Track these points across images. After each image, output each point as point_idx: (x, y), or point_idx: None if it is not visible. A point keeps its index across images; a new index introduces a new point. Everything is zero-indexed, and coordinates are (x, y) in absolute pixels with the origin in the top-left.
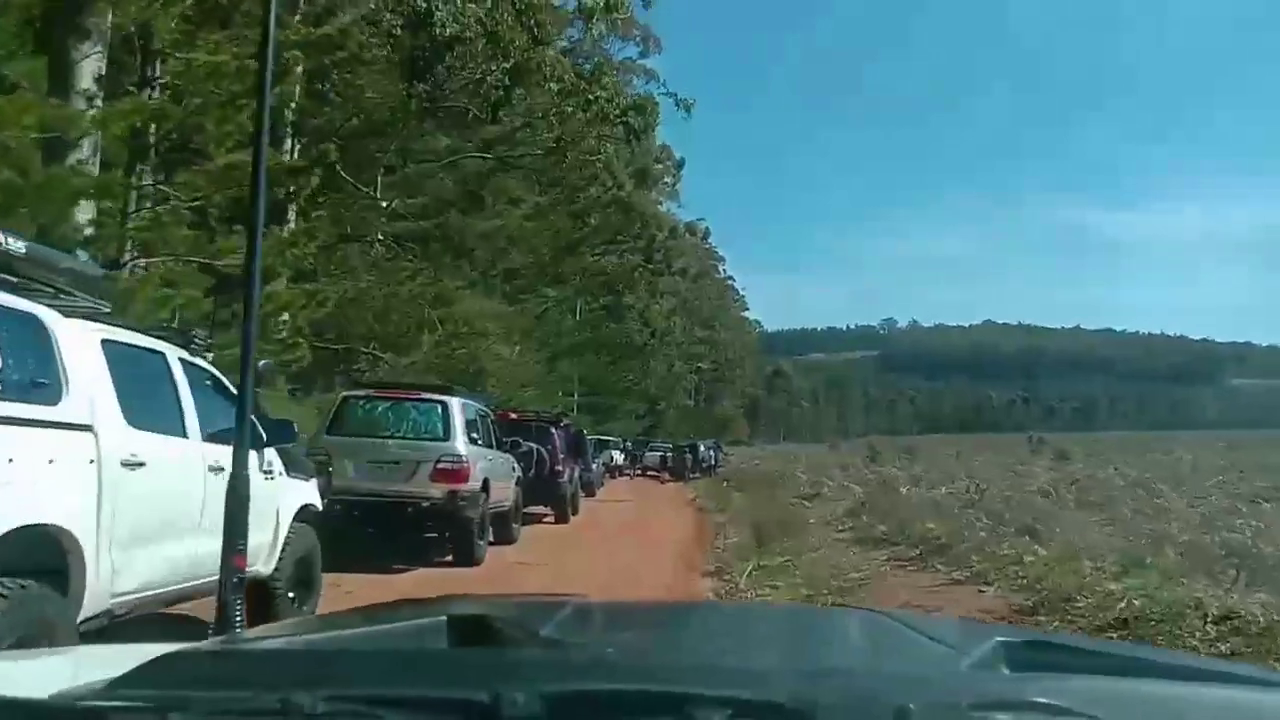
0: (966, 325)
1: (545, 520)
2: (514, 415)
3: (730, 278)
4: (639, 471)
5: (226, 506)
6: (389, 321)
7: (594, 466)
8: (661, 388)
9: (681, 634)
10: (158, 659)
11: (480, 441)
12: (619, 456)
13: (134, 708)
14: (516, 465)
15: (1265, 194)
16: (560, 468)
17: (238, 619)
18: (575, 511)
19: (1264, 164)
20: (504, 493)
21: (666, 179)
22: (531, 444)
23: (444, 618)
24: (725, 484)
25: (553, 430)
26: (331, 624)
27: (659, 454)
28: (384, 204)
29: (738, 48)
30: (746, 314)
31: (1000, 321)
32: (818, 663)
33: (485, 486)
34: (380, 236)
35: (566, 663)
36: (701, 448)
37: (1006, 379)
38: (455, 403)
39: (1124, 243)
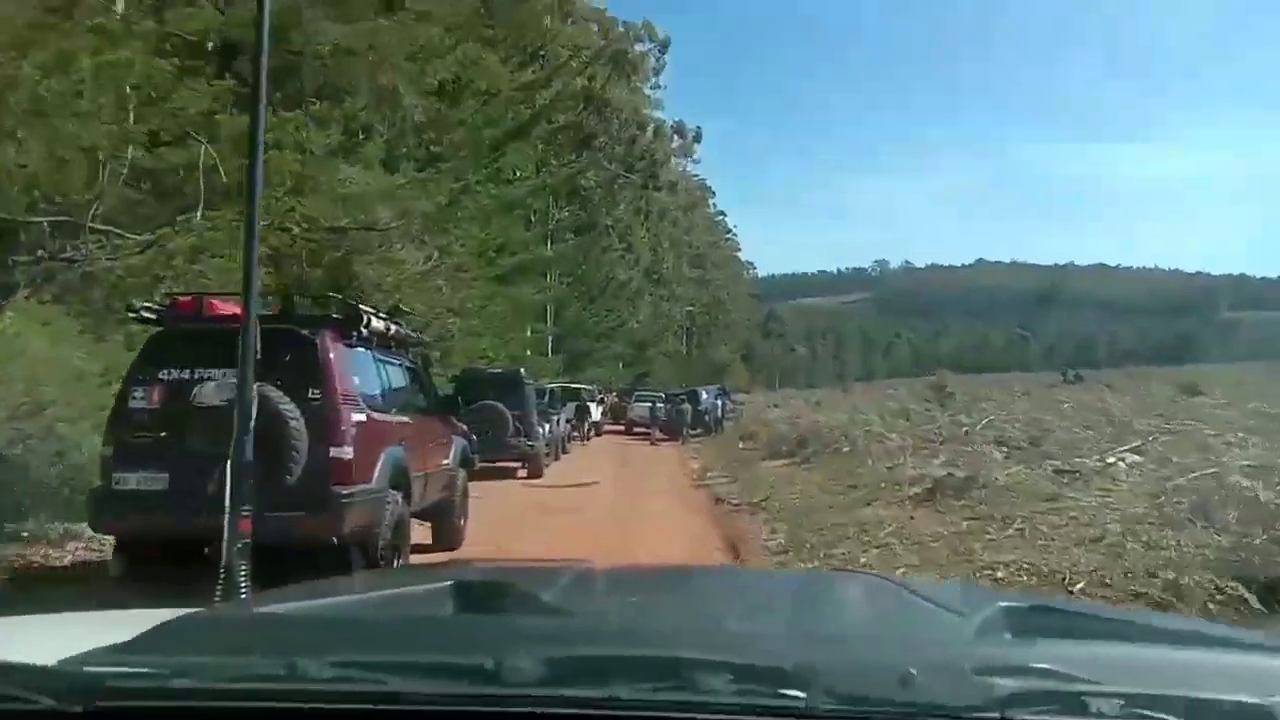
0: (959, 265)
1: None
2: (220, 303)
3: (721, 213)
4: (623, 428)
5: (231, 472)
6: (75, 148)
7: (549, 428)
8: (650, 331)
9: (684, 599)
10: (164, 624)
11: None
12: (595, 410)
13: (140, 673)
14: None
15: (1252, 130)
16: (343, 449)
17: (243, 584)
18: (452, 539)
19: (1250, 99)
20: None
21: (644, 87)
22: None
23: (450, 584)
24: (743, 446)
25: (325, 341)
26: (338, 589)
27: (648, 404)
28: None
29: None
30: (739, 254)
31: (993, 260)
32: (820, 628)
33: None
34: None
35: (570, 628)
36: (704, 395)
37: (1004, 317)
38: None
39: (1112, 179)
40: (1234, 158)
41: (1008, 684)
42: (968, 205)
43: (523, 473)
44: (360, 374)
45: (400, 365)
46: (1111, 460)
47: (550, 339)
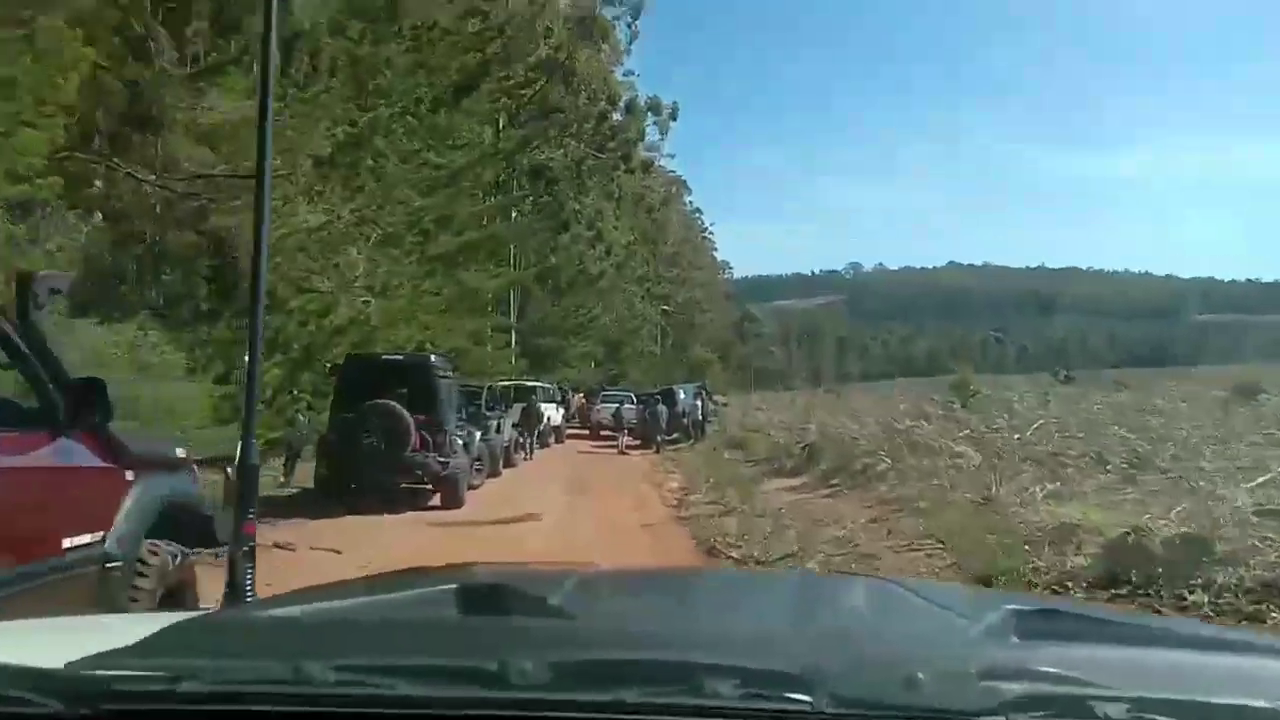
0: (932, 267)
1: None
2: None
3: (698, 210)
4: (588, 433)
5: (237, 476)
6: None
7: (480, 436)
8: (623, 328)
9: (689, 603)
10: (170, 628)
11: None
12: (556, 413)
13: (147, 676)
14: None
15: (1220, 136)
16: None
17: (249, 588)
18: None
19: (1217, 105)
20: None
21: (615, 68)
22: None
23: (454, 586)
24: (730, 457)
25: None
26: (343, 592)
27: (615, 405)
28: None
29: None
30: (715, 253)
31: (965, 263)
32: (826, 630)
33: None
34: None
35: (575, 632)
36: (681, 395)
37: (977, 320)
38: None
39: (1082, 183)
40: (1203, 163)
41: (1013, 687)
42: (940, 207)
43: (438, 498)
44: None
45: None
46: None
47: (514, 334)
